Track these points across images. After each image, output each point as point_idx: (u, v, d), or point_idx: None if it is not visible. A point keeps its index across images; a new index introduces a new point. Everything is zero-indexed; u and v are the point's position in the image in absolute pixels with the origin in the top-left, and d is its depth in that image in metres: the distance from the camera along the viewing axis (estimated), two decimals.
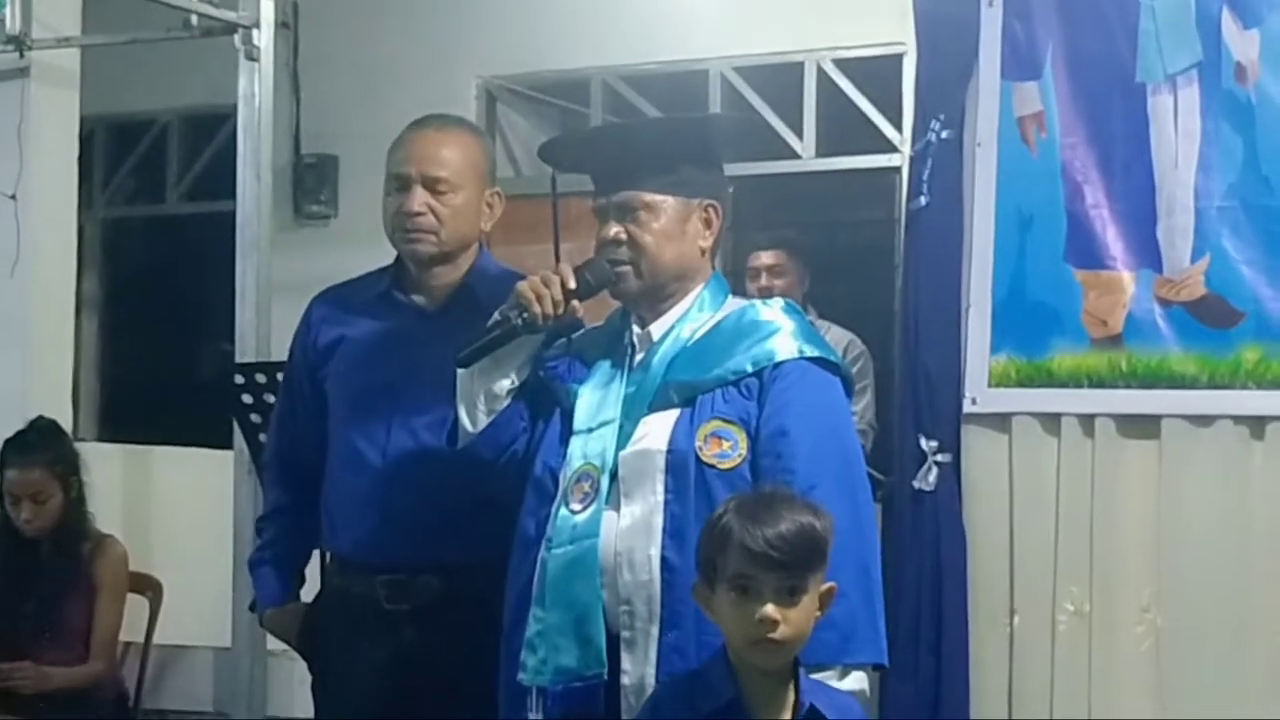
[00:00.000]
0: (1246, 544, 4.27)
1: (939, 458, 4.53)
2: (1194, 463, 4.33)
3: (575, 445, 3.04)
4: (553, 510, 3.02)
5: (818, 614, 2.77)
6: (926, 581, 4.46)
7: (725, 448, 2.98)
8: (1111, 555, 4.39)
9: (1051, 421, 4.49)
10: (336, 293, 3.67)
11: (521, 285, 3.08)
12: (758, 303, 3.20)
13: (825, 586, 2.77)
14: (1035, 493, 4.48)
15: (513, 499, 3.15)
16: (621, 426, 3.02)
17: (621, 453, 2.99)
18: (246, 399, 4.55)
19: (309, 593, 3.72)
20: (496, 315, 3.12)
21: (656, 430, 2.99)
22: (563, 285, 3.07)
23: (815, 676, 2.85)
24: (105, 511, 5.24)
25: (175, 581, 5.52)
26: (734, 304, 3.17)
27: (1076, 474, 4.44)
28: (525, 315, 3.07)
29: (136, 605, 5.39)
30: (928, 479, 4.54)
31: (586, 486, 2.99)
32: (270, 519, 3.75)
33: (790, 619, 2.69)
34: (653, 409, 3.02)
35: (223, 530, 5.27)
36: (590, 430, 3.04)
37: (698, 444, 2.97)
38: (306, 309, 3.68)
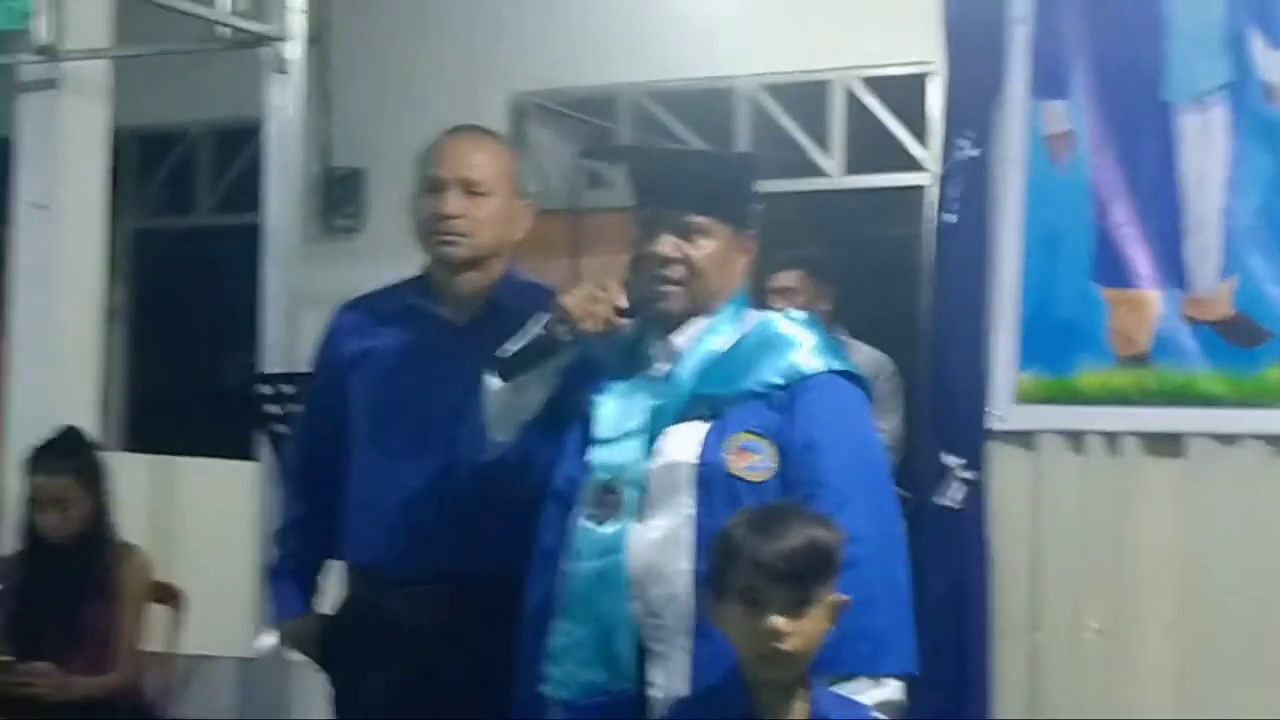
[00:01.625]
0: (1272, 563, 4.26)
1: (964, 474, 4.52)
2: (1220, 482, 4.32)
3: (597, 456, 3.04)
4: (572, 522, 3.02)
5: (828, 626, 2.77)
6: (951, 598, 4.45)
7: (755, 460, 2.98)
8: (1136, 574, 4.38)
9: (1077, 439, 4.48)
10: (362, 303, 3.67)
11: (570, 301, 3.08)
12: (778, 316, 3.21)
13: (835, 599, 2.77)
14: (1060, 511, 4.48)
15: (535, 509, 3.15)
16: (647, 438, 3.02)
17: (650, 465, 2.99)
18: (271, 410, 4.56)
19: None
20: (539, 329, 3.11)
21: (684, 443, 3.00)
22: (613, 304, 3.08)
23: (848, 687, 2.87)
24: (130, 521, 5.24)
25: (199, 591, 5.52)
26: (755, 317, 3.18)
27: (1102, 492, 4.43)
28: (574, 331, 3.07)
29: (159, 615, 5.39)
30: (953, 496, 4.53)
31: (610, 499, 2.99)
32: (290, 529, 3.75)
33: (799, 631, 2.69)
34: (679, 421, 3.02)
35: (247, 541, 5.26)
36: (612, 441, 3.04)
37: (726, 456, 2.97)
38: (331, 319, 3.68)
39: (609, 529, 2.97)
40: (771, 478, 2.98)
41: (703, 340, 3.10)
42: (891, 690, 2.93)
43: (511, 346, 3.10)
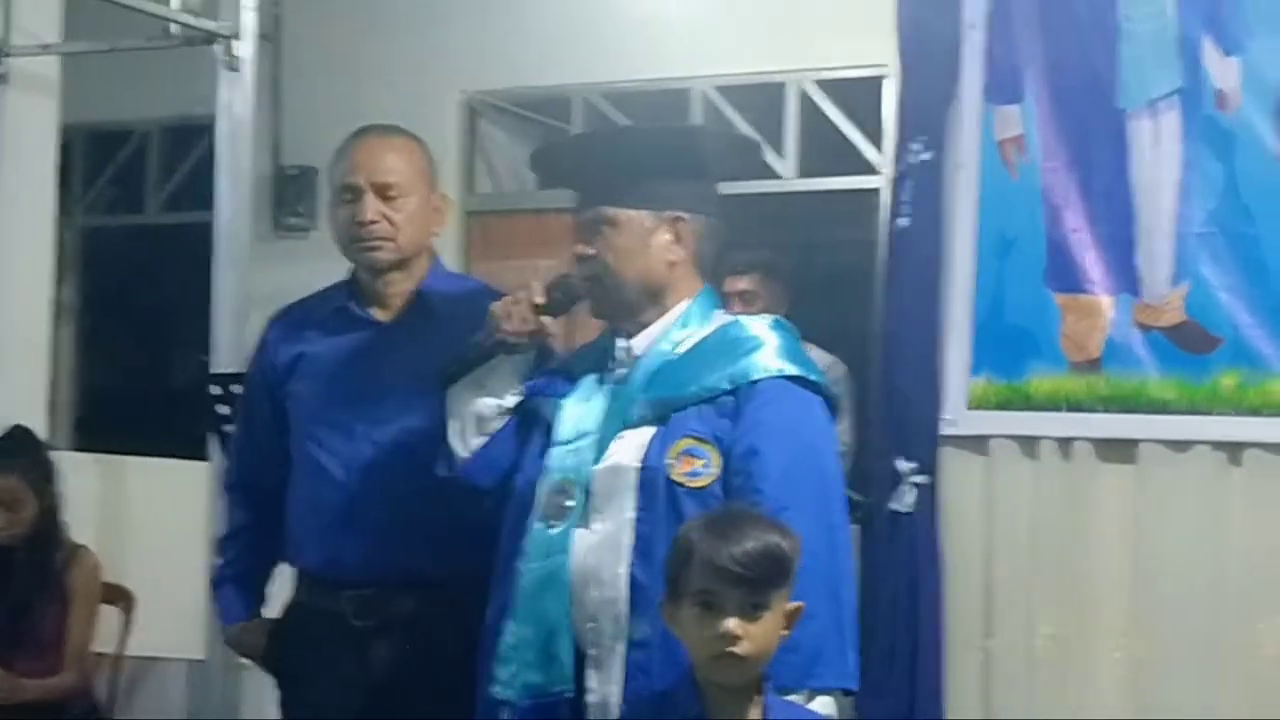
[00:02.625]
0: (1223, 569, 4.29)
1: (916, 479, 4.54)
2: (1171, 488, 4.35)
3: (553, 457, 3.03)
4: (529, 524, 3.01)
5: (784, 633, 2.76)
6: (903, 603, 4.47)
7: (697, 465, 2.94)
8: (1088, 579, 4.41)
9: (1029, 444, 4.51)
10: (292, 311, 3.68)
11: (493, 305, 3.10)
12: (744, 319, 3.16)
13: (792, 606, 2.76)
14: (1012, 515, 4.50)
15: (483, 511, 3.16)
16: (599, 441, 3.00)
17: (595, 468, 2.97)
18: (222, 409, 4.53)
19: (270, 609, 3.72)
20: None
21: (630, 446, 2.97)
22: (530, 302, 3.09)
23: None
24: (79, 521, 5.21)
25: (148, 592, 5.49)
26: (721, 319, 3.13)
27: (1054, 497, 4.46)
28: (496, 334, 3.08)
29: (109, 616, 5.36)
30: (905, 500, 4.54)
31: (562, 501, 2.97)
32: (233, 538, 3.75)
33: (752, 635, 2.68)
34: (629, 425, 3.00)
35: (197, 541, 5.23)
36: (569, 443, 3.03)
37: (669, 461, 2.93)
38: (264, 328, 3.69)
39: (555, 531, 2.96)
40: (713, 483, 2.93)
41: (659, 343, 3.07)
42: (823, 705, 2.89)
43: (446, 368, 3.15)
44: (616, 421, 3.01)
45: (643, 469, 2.94)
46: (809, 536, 2.79)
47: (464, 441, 3.18)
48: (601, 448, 3.00)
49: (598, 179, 3.10)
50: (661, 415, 2.99)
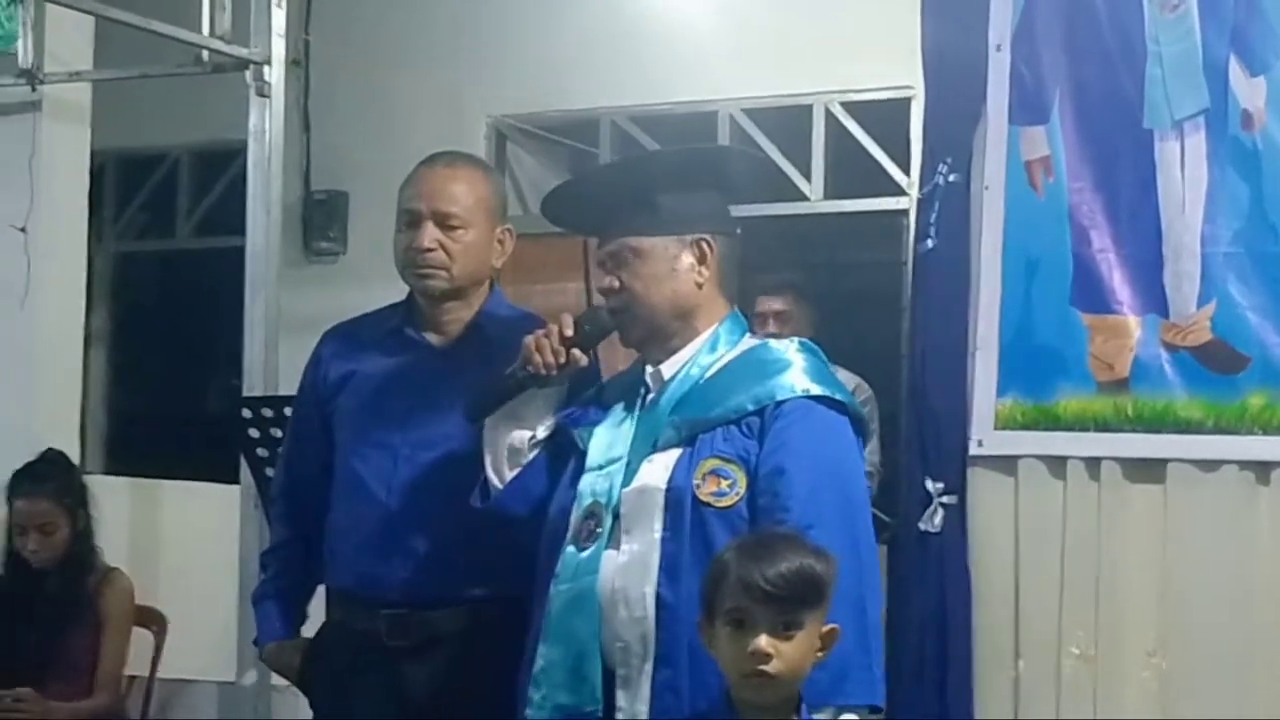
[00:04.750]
0: (1251, 589, 4.28)
1: (945, 500, 4.54)
2: (1199, 508, 4.33)
3: (585, 483, 3.05)
4: (562, 548, 3.03)
5: (819, 655, 2.77)
6: (931, 623, 4.46)
7: (723, 486, 2.96)
8: (1116, 599, 4.39)
9: (1057, 465, 4.49)
10: (348, 328, 3.68)
11: (525, 339, 3.11)
12: (771, 341, 3.20)
13: (827, 628, 2.77)
14: (1041, 536, 4.48)
15: (531, 541, 3.16)
16: (628, 464, 3.03)
17: (624, 490, 2.99)
18: (253, 433, 4.55)
19: (310, 629, 3.73)
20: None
21: (658, 468, 3.00)
22: (561, 335, 3.10)
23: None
24: (111, 544, 5.24)
25: (180, 615, 5.52)
26: (749, 342, 3.16)
27: (1082, 517, 4.44)
28: (528, 368, 3.10)
29: (141, 639, 5.39)
30: (933, 521, 4.54)
31: (593, 525, 3.00)
32: (275, 553, 3.76)
33: (784, 654, 2.69)
34: (658, 448, 3.02)
35: (228, 565, 5.27)
36: (600, 468, 3.06)
37: (695, 482, 2.96)
38: (318, 344, 3.69)
39: (585, 553, 2.99)
40: (739, 503, 2.96)
41: (689, 367, 3.10)
42: None
43: (477, 404, 3.16)
44: (645, 445, 3.04)
45: (669, 489, 2.96)
46: (836, 554, 2.80)
47: (498, 472, 3.21)
48: (630, 471, 3.02)
49: (615, 212, 3.13)
50: (689, 437, 3.01)
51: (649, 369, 3.12)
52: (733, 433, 3.00)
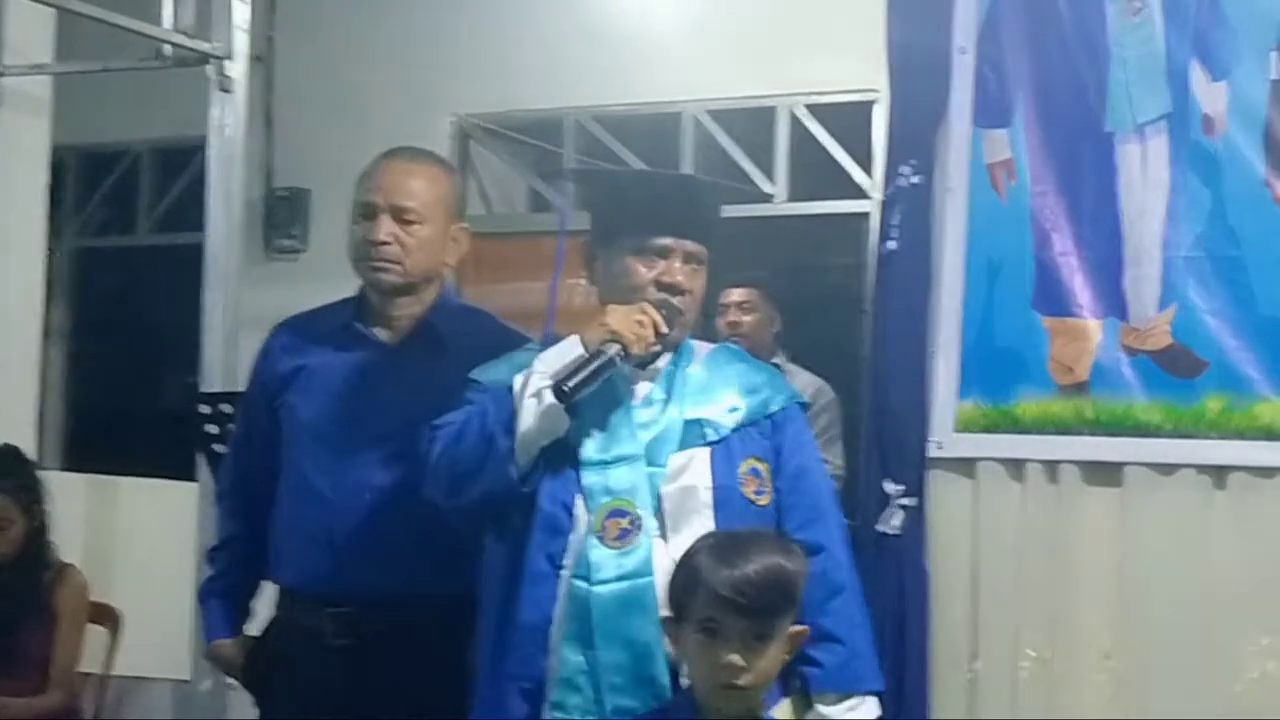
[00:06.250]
0: (1207, 593, 4.29)
1: (904, 501, 4.54)
2: (1156, 511, 4.35)
3: (592, 479, 3.02)
4: (574, 544, 2.99)
5: (786, 657, 2.77)
6: (889, 625, 4.45)
7: (760, 485, 3.09)
8: (1073, 602, 4.41)
9: (1016, 467, 4.51)
10: (298, 322, 3.67)
11: (621, 324, 3.03)
12: (727, 345, 3.35)
13: (796, 630, 2.78)
14: (999, 538, 4.50)
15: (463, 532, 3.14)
16: (648, 463, 3.04)
17: (665, 488, 3.01)
18: (211, 429, 4.52)
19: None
20: (583, 350, 3.03)
21: (694, 467, 3.05)
22: (655, 328, 3.07)
23: (833, 708, 3.01)
24: (67, 541, 5.22)
25: (135, 612, 5.49)
26: (700, 344, 3.24)
27: (1040, 520, 4.46)
28: (626, 353, 3.04)
29: (96, 636, 5.36)
30: (892, 523, 4.55)
31: (624, 523, 2.99)
32: (222, 549, 3.73)
33: (755, 666, 2.70)
34: (682, 446, 3.06)
35: (184, 562, 5.23)
36: (605, 464, 3.03)
37: (740, 479, 3.06)
38: (267, 338, 3.67)
39: (633, 552, 2.97)
40: (771, 502, 3.09)
41: (678, 367, 3.15)
42: (872, 706, 3.08)
43: (568, 378, 2.98)
44: (665, 444, 3.06)
45: (716, 488, 3.03)
46: (845, 552, 3.13)
47: (527, 460, 3.05)
48: (660, 469, 3.04)
49: (700, 216, 3.18)
50: (710, 437, 3.08)
51: (634, 369, 3.11)
52: (752, 434, 3.12)
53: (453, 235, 3.53)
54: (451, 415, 3.09)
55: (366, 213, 3.46)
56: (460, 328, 3.49)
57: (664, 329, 3.06)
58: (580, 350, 3.03)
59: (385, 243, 3.43)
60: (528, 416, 2.99)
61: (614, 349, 3.01)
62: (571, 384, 2.96)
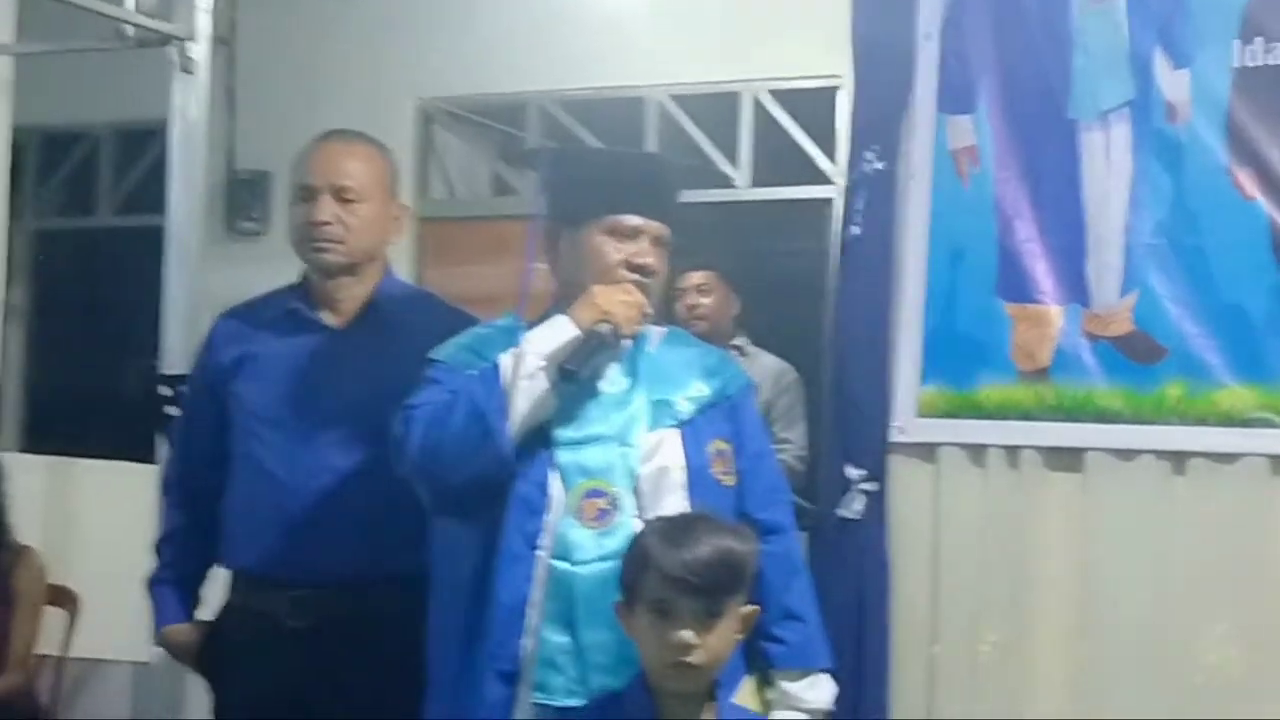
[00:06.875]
0: (1166, 578, 4.30)
1: (865, 486, 4.55)
2: (1116, 496, 4.36)
3: (566, 459, 3.03)
4: (550, 524, 3.00)
5: (738, 636, 2.78)
6: (849, 609, 4.46)
7: (726, 465, 3.13)
8: (1033, 586, 4.42)
9: (977, 453, 4.51)
10: (241, 310, 3.68)
11: (612, 304, 3.04)
12: (678, 328, 3.44)
13: (747, 609, 2.78)
14: (959, 523, 4.50)
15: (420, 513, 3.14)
16: (623, 442, 3.05)
17: (640, 470, 3.03)
18: (172, 411, 4.51)
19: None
20: (576, 330, 3.03)
21: (666, 447, 3.07)
22: (641, 309, 3.10)
23: (794, 685, 3.07)
24: (25, 522, 5.19)
25: (94, 595, 5.47)
26: (653, 327, 3.25)
27: (1001, 505, 4.46)
28: (620, 331, 3.05)
29: (54, 618, 5.34)
30: (853, 507, 4.55)
31: (602, 503, 3.00)
32: (169, 540, 3.74)
33: (707, 644, 2.71)
34: (652, 427, 3.08)
35: (143, 544, 5.14)
36: (579, 444, 3.04)
37: (709, 459, 3.10)
38: (210, 327, 3.68)
39: (614, 532, 2.98)
40: (737, 482, 3.14)
41: (639, 349, 3.16)
42: (828, 684, 3.17)
43: (571, 359, 2.99)
44: (635, 424, 3.08)
45: (689, 469, 3.07)
46: (792, 527, 3.19)
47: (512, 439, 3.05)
48: (632, 449, 3.06)
49: (666, 197, 3.21)
50: (677, 418, 3.10)
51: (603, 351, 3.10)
52: (715, 415, 3.15)
53: (393, 214, 3.57)
54: (425, 395, 3.08)
55: (306, 195, 3.48)
56: (406, 308, 3.53)
57: (648, 309, 3.09)
58: (574, 331, 3.03)
59: (326, 223, 3.45)
60: (523, 398, 2.99)
61: (606, 329, 3.02)
62: (574, 364, 2.98)
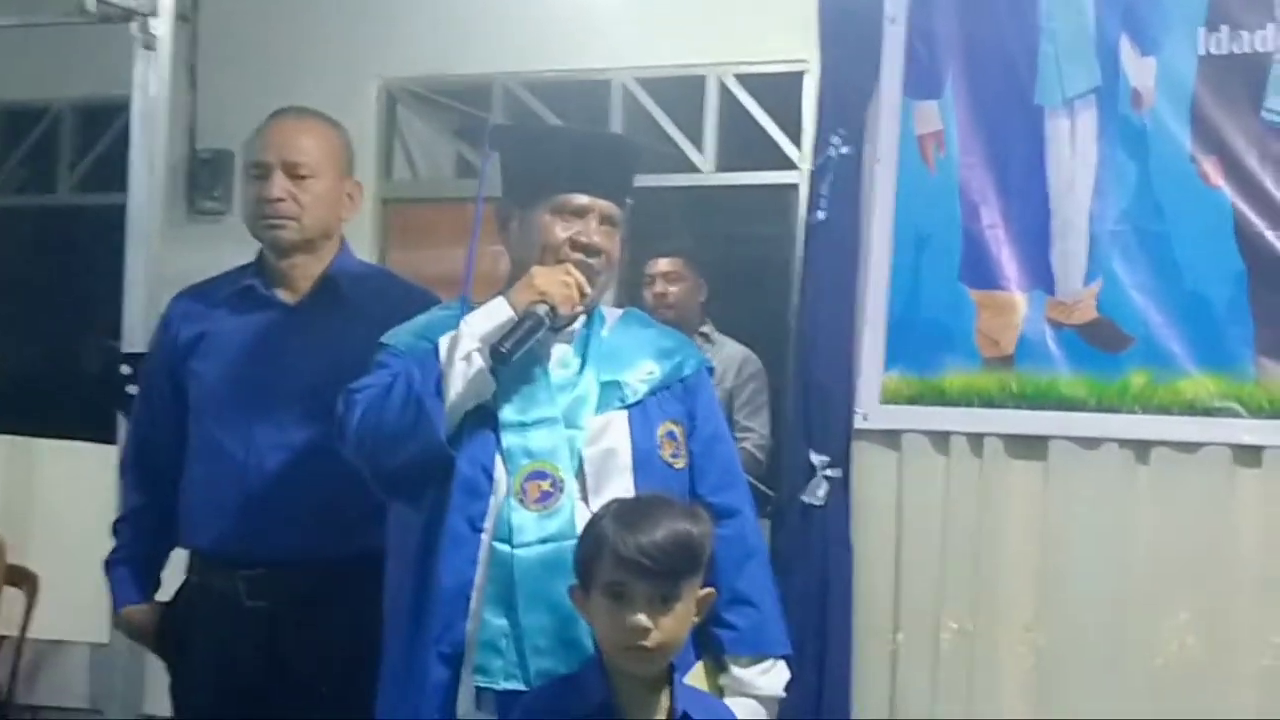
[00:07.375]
0: (1128, 566, 4.32)
1: (829, 473, 4.55)
2: (1079, 485, 4.37)
3: (511, 441, 3.00)
4: (494, 507, 2.97)
5: (695, 619, 2.78)
6: (812, 595, 4.48)
7: (676, 448, 3.09)
8: (996, 574, 4.43)
9: (941, 440, 4.52)
10: (197, 290, 3.67)
11: (549, 285, 3.00)
12: (633, 310, 3.38)
13: (704, 592, 2.78)
14: (923, 510, 4.52)
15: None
16: (569, 424, 3.02)
17: (586, 451, 3.01)
18: (132, 390, 4.48)
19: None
20: (511, 312, 3.00)
21: (613, 430, 3.05)
22: (579, 288, 3.05)
23: (746, 671, 3.05)
24: None
25: (53, 575, 5.44)
26: (609, 309, 3.25)
27: (964, 493, 4.48)
28: (555, 313, 3.01)
29: (12, 598, 5.31)
30: (817, 494, 4.55)
31: (545, 485, 2.97)
32: (127, 521, 3.72)
33: (663, 626, 2.70)
34: (599, 409, 3.05)
35: (102, 525, 5.11)
36: (525, 426, 3.01)
37: (658, 442, 3.06)
38: (167, 307, 3.66)
39: (555, 515, 2.96)
40: (688, 464, 3.11)
41: (591, 330, 3.13)
42: (782, 670, 3.14)
43: (504, 340, 2.95)
44: (582, 406, 3.05)
45: (635, 451, 3.03)
46: (750, 511, 3.15)
47: (452, 423, 3.02)
48: (579, 431, 3.03)
49: (619, 177, 3.17)
50: (626, 400, 3.08)
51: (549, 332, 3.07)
52: (667, 398, 3.12)
53: (347, 191, 3.57)
54: (368, 379, 3.06)
55: (259, 172, 3.48)
56: (362, 285, 3.52)
57: (587, 290, 3.05)
58: (509, 313, 3.01)
59: (280, 199, 3.45)
60: (458, 379, 2.96)
61: (543, 309, 2.99)
62: (508, 345, 2.94)
